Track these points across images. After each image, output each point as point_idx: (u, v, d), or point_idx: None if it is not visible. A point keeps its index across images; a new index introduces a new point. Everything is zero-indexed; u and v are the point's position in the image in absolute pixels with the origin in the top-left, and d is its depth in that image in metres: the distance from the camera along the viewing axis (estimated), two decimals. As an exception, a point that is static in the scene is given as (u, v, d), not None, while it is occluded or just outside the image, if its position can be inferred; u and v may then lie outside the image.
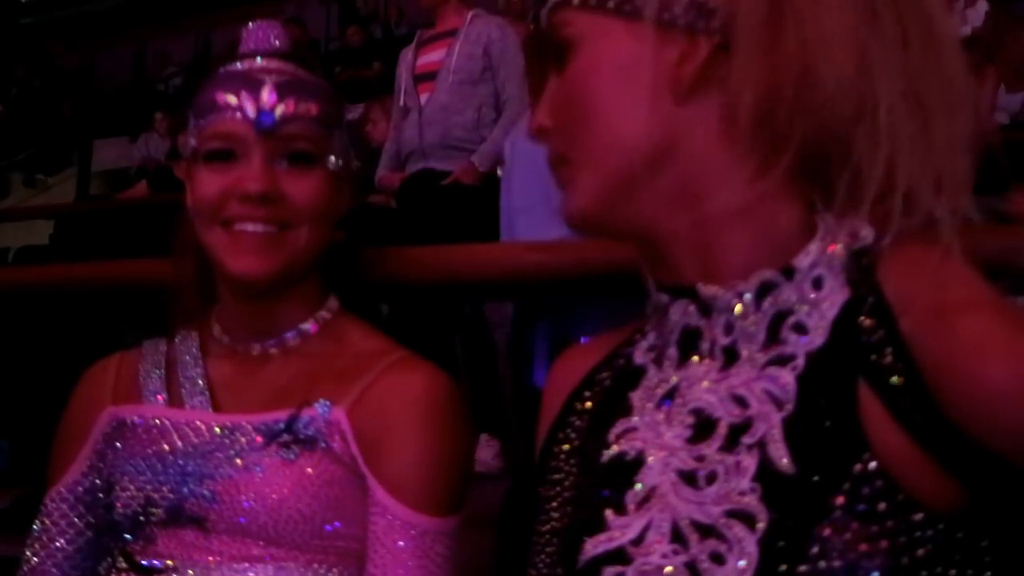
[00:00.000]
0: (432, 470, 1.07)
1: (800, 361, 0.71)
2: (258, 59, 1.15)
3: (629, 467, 0.76)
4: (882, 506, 0.64)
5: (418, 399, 1.09)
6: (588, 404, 0.88)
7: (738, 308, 0.74)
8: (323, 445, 1.06)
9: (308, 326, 1.17)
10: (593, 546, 0.74)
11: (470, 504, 1.11)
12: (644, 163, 0.75)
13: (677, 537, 0.70)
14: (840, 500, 0.64)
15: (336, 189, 1.15)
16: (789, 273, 0.73)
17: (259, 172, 1.08)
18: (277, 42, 1.17)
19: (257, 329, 1.16)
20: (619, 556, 0.72)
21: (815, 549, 0.64)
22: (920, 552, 0.63)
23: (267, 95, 1.09)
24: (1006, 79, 5.30)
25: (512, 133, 3.72)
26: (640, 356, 0.84)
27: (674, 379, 0.78)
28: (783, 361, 0.72)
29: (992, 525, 0.64)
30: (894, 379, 0.66)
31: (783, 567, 0.64)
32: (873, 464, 0.65)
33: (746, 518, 0.67)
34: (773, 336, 0.73)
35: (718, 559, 0.67)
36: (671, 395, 0.78)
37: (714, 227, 0.75)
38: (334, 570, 1.06)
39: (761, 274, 0.73)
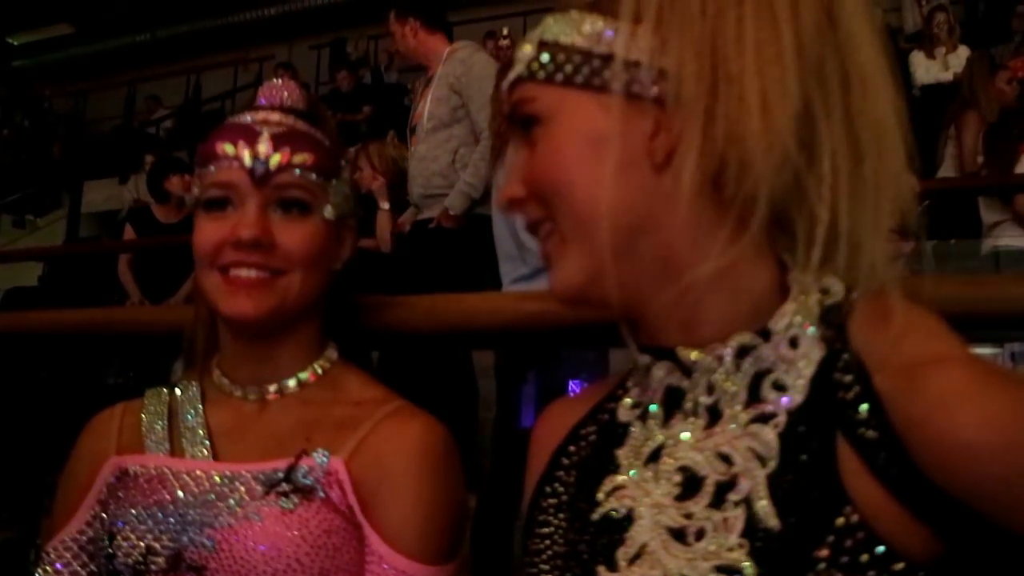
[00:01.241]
0: (429, 519, 1.08)
1: (781, 419, 0.73)
2: (260, 112, 1.18)
3: (619, 524, 0.77)
4: (864, 557, 0.65)
5: (414, 449, 1.10)
6: (575, 459, 0.89)
7: (719, 374, 0.75)
8: (322, 495, 1.07)
9: (307, 374, 1.19)
10: None
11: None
12: (626, 234, 0.75)
13: None
14: (824, 553, 0.66)
15: (332, 238, 1.18)
16: (766, 335, 0.74)
17: (253, 219, 1.10)
18: (286, 98, 1.20)
19: (256, 374, 1.18)
20: None
21: None
22: None
23: (263, 145, 1.13)
24: (988, 123, 5.37)
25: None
26: (624, 414, 0.84)
27: (660, 437, 0.79)
28: (765, 419, 0.73)
29: (970, 572, 0.65)
30: (870, 433, 0.67)
31: None
32: (855, 517, 0.66)
33: (734, 573, 0.69)
34: (754, 394, 0.75)
35: None
36: (657, 453, 0.79)
37: (695, 294, 0.75)
38: None
39: (740, 337, 0.75)
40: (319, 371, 1.19)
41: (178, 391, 1.22)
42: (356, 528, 1.08)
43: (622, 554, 0.76)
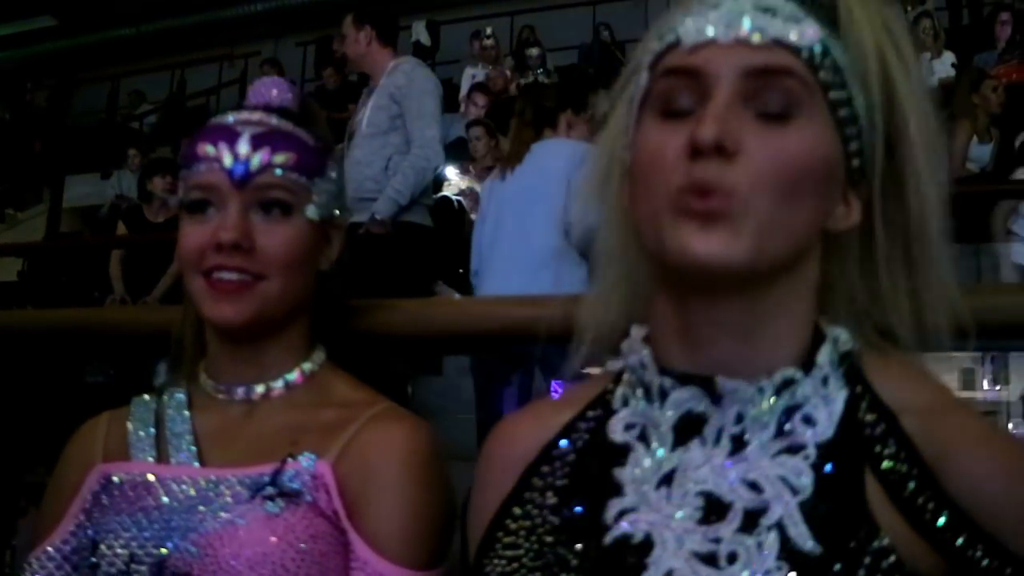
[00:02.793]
0: (414, 523, 1.07)
1: (811, 451, 0.76)
2: (243, 112, 1.17)
3: (637, 550, 0.76)
4: None
5: (399, 453, 1.09)
6: (550, 479, 0.87)
7: (754, 405, 0.77)
8: (308, 499, 1.06)
9: (294, 375, 1.17)
10: None
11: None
12: (794, 255, 0.77)
13: None
14: (861, 573, 0.70)
15: (317, 238, 1.16)
16: (808, 369, 0.78)
17: (233, 222, 1.09)
18: (274, 97, 1.19)
19: (242, 376, 1.16)
20: None
21: None
22: None
23: (242, 146, 1.11)
24: (977, 131, 5.41)
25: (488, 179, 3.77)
26: (619, 433, 0.83)
27: (673, 461, 0.79)
28: (794, 450, 0.76)
29: None
30: (900, 467, 0.74)
31: None
32: (886, 541, 0.71)
33: None
34: (782, 427, 0.77)
35: None
36: (670, 477, 0.78)
37: (765, 317, 0.78)
38: None
39: (785, 371, 0.77)
40: (307, 373, 1.18)
41: (165, 397, 1.20)
42: (341, 533, 1.06)
43: None
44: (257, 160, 1.11)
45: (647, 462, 0.80)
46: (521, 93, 6.21)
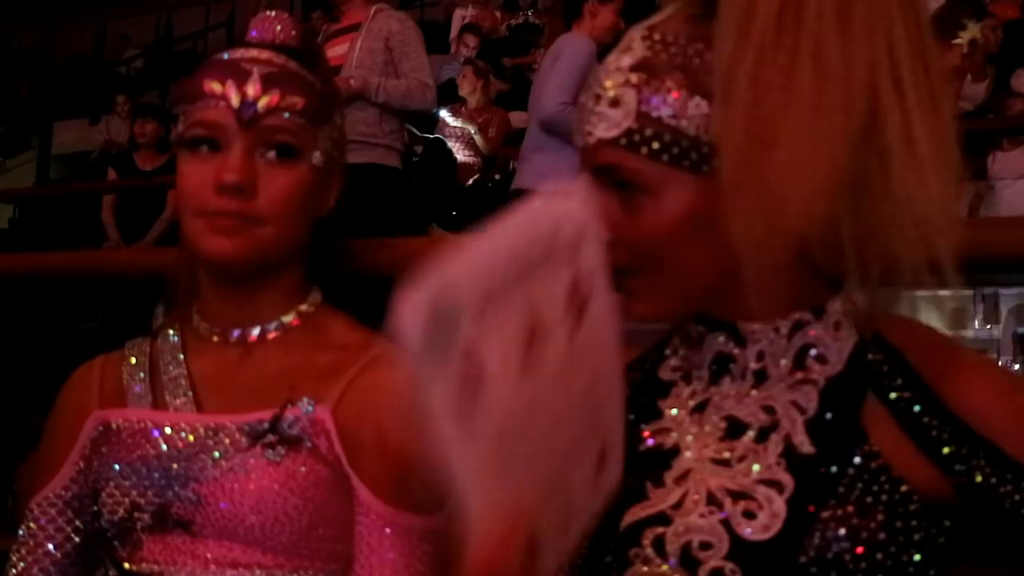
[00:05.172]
0: (416, 467, 1.06)
1: (821, 381, 0.87)
2: (251, 49, 1.14)
3: (666, 455, 0.89)
4: (882, 479, 0.82)
5: (399, 395, 1.08)
6: None
7: (772, 344, 0.88)
8: (308, 445, 1.05)
9: (290, 318, 1.16)
10: (635, 512, 0.86)
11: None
12: (712, 284, 0.87)
13: (712, 501, 0.84)
14: (850, 471, 0.82)
15: (318, 185, 1.14)
16: (819, 314, 0.88)
17: (238, 163, 1.06)
18: (279, 34, 1.15)
19: (237, 318, 1.15)
20: (659, 519, 0.85)
21: (832, 501, 0.81)
22: (912, 507, 0.81)
23: (252, 86, 1.08)
24: (972, 70, 5.36)
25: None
26: (667, 373, 0.96)
27: (707, 394, 0.91)
28: (806, 382, 0.88)
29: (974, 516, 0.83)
30: (905, 394, 0.85)
31: (808, 513, 0.81)
32: (875, 449, 0.83)
33: (774, 484, 0.83)
34: (798, 363, 0.88)
35: (750, 515, 0.82)
36: (703, 406, 0.91)
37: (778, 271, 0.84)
38: (321, 573, 1.05)
39: (798, 314, 0.88)
40: (303, 315, 1.17)
41: (159, 341, 1.19)
42: (343, 479, 1.06)
43: (668, 476, 0.87)
44: (266, 101, 1.08)
45: (686, 393, 0.93)
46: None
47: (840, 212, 0.78)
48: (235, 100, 1.08)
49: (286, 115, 1.09)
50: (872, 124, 0.77)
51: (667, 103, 0.82)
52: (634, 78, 0.84)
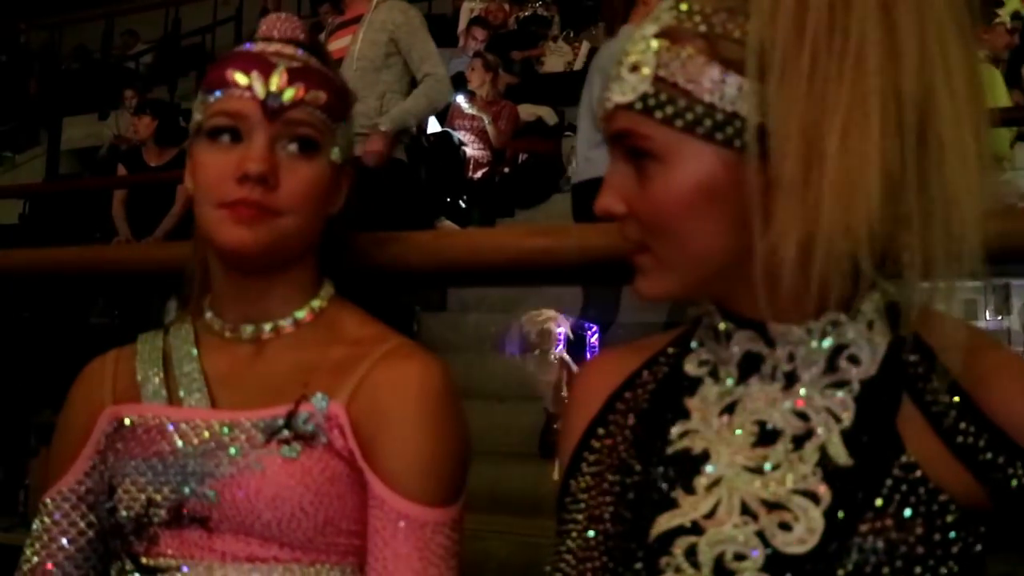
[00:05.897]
0: (429, 461, 1.06)
1: (855, 386, 0.85)
2: (274, 43, 1.14)
3: (695, 459, 0.87)
4: (920, 491, 0.80)
5: (412, 389, 1.08)
6: (631, 404, 0.96)
7: (804, 345, 0.85)
8: (323, 440, 1.05)
9: (303, 313, 1.16)
10: (666, 520, 0.84)
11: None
12: (725, 264, 0.84)
13: (746, 511, 0.82)
14: (888, 482, 0.80)
15: (334, 182, 1.14)
16: (854, 315, 0.85)
17: (261, 153, 1.06)
18: (296, 32, 1.16)
19: (249, 313, 1.15)
20: (691, 529, 0.83)
21: (870, 514, 0.79)
22: (949, 519, 0.79)
23: (278, 78, 1.09)
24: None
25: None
26: (693, 368, 0.93)
27: (735, 393, 0.89)
28: (840, 385, 0.85)
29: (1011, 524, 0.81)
30: (942, 399, 0.82)
31: (846, 526, 0.79)
32: (913, 459, 0.81)
33: (810, 495, 0.81)
34: (830, 365, 0.85)
35: (786, 527, 0.80)
36: (732, 407, 0.88)
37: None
38: (337, 568, 1.05)
39: (831, 315, 0.84)
40: (316, 310, 1.16)
41: (171, 335, 1.19)
42: (358, 473, 1.06)
43: (699, 482, 0.85)
44: (291, 94, 1.08)
45: (713, 393, 0.90)
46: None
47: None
48: (261, 91, 1.08)
49: (310, 109, 1.10)
50: (926, 116, 0.75)
51: (684, 68, 0.80)
52: (655, 44, 0.82)
